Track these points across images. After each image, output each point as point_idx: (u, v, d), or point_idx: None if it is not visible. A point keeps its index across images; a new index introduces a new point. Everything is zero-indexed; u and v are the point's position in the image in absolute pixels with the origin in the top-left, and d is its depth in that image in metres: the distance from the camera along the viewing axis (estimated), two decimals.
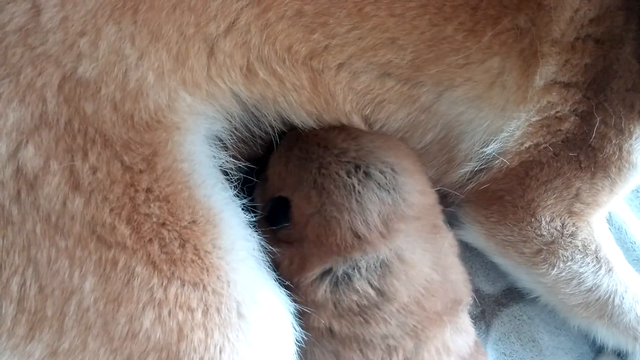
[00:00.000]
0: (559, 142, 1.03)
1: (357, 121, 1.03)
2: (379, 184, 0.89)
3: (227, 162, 0.96)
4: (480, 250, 1.17)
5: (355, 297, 0.87)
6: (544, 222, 1.05)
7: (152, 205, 0.83)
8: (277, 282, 0.90)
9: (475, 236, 1.14)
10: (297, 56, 0.94)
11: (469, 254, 1.23)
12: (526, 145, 1.04)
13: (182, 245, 0.83)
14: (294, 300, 0.90)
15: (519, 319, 1.21)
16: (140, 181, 0.83)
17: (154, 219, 0.82)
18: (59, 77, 0.83)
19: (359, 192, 0.87)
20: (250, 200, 0.95)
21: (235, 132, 0.99)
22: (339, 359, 0.90)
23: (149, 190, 0.83)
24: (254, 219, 0.92)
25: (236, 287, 0.83)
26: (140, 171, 0.84)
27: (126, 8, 0.86)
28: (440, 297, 0.92)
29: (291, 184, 0.91)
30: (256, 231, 0.91)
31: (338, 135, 0.95)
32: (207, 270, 0.82)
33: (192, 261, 0.82)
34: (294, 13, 0.92)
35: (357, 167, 0.90)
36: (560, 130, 1.03)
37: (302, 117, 1.00)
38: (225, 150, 0.97)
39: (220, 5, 0.89)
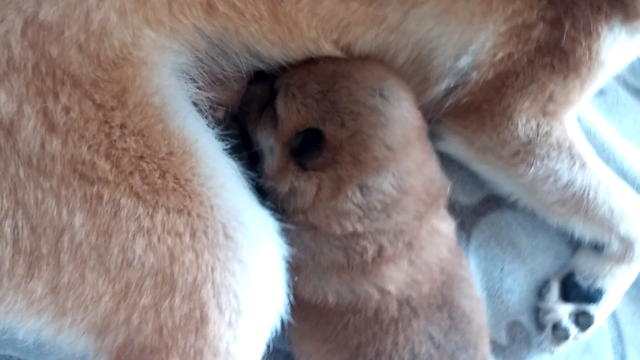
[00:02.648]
0: (531, 50, 1.05)
1: (328, 48, 1.04)
2: (392, 103, 1.00)
3: (196, 94, 0.98)
4: (460, 159, 1.21)
5: (381, 198, 0.99)
6: (520, 125, 1.09)
7: (128, 140, 0.85)
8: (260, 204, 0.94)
9: (456, 146, 1.18)
10: None
11: (445, 170, 1.26)
12: (499, 56, 1.05)
13: (163, 176, 0.85)
14: (279, 219, 0.95)
15: (497, 226, 1.25)
16: (113, 118, 0.85)
17: (132, 153, 0.85)
18: (20, 23, 0.83)
19: (383, 111, 0.99)
20: (224, 129, 0.98)
21: (204, 65, 1.00)
22: (347, 251, 1.01)
23: (123, 125, 0.85)
24: (229, 146, 0.95)
25: (220, 211, 0.86)
26: (112, 108, 0.85)
27: None
28: (437, 182, 1.06)
29: (317, 116, 0.99)
30: (234, 158, 0.94)
31: (347, 65, 1.04)
32: (190, 197, 0.85)
33: (174, 189, 0.85)
34: None
35: (374, 90, 1.00)
36: (530, 38, 1.04)
37: (266, 47, 1.01)
38: (194, 83, 0.99)
39: None
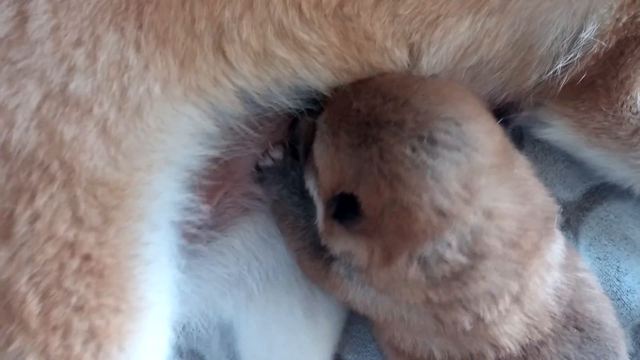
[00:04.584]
0: None
1: (398, 55, 0.90)
2: (448, 145, 0.77)
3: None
4: (566, 146, 1.09)
5: (447, 268, 0.80)
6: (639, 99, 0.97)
7: (79, 281, 0.71)
8: None
9: (564, 130, 1.04)
10: (327, 10, 0.83)
11: (540, 164, 1.16)
12: (623, 20, 0.91)
13: (85, 342, 0.70)
14: None
15: (606, 220, 1.14)
16: (82, 243, 0.71)
17: (72, 301, 0.70)
18: (38, 96, 0.72)
19: (431, 166, 0.76)
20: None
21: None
22: (438, 317, 0.86)
23: (86, 257, 0.72)
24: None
25: None
26: (90, 228, 0.72)
27: (130, 11, 0.75)
28: (534, 227, 0.84)
29: (351, 177, 0.79)
30: None
31: (385, 106, 0.80)
32: None
33: None
34: None
35: (421, 137, 0.77)
36: None
37: (324, 78, 0.89)
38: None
39: None
